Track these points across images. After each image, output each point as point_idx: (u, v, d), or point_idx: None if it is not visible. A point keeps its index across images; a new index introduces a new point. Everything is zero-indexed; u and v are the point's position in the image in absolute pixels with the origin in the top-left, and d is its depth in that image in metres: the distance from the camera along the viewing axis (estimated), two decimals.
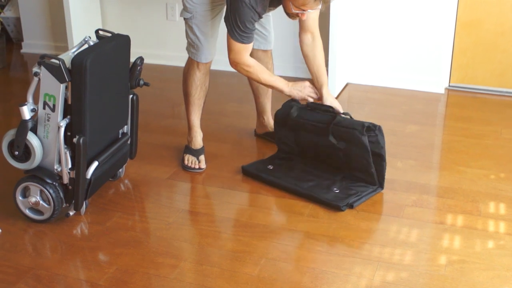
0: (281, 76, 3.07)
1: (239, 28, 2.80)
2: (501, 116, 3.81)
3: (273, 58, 3.35)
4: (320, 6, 2.72)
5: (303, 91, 3.02)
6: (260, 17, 2.86)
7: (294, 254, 2.50)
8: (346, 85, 4.34)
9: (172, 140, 3.49)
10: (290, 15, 2.83)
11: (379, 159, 2.86)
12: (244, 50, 2.89)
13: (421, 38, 4.16)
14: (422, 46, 4.18)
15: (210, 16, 2.97)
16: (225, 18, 2.86)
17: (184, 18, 3.02)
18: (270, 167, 3.08)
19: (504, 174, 3.08)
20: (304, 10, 2.75)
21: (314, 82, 3.07)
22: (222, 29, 3.00)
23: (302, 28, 3.04)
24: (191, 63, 3.10)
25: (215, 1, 2.95)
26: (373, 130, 2.83)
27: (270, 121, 3.45)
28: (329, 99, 3.03)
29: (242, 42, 2.85)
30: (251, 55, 3.21)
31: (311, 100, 3.04)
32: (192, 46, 3.05)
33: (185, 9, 3.00)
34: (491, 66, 4.17)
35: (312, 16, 2.98)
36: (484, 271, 2.35)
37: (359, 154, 2.85)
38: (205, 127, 3.29)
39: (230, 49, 2.89)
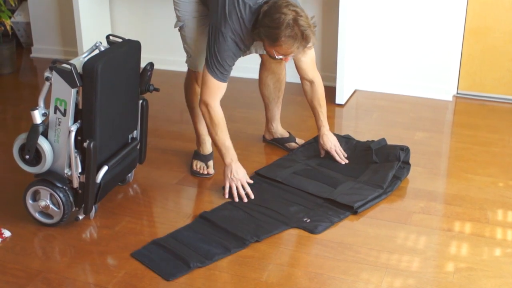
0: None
1: (218, 62, 2.75)
2: (509, 124, 3.81)
3: (286, 68, 3.37)
4: (302, 50, 2.74)
5: (234, 179, 2.89)
6: (244, 53, 2.85)
7: (302, 259, 2.51)
8: (354, 92, 4.35)
9: (181, 145, 3.51)
10: (273, 58, 2.82)
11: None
12: (217, 91, 2.81)
13: (430, 45, 4.17)
14: (430, 53, 4.18)
15: (201, 23, 2.95)
16: (206, 45, 2.80)
17: (178, 29, 3.01)
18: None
19: None
20: (287, 56, 2.76)
21: (315, 120, 3.20)
22: None
23: (300, 75, 3.09)
24: (189, 76, 3.11)
25: (203, 10, 2.93)
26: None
27: (278, 128, 3.47)
28: (329, 143, 3.15)
29: (218, 79, 2.78)
30: (265, 62, 3.22)
31: (235, 194, 2.88)
32: (188, 56, 3.06)
33: (177, 18, 3.00)
34: (499, 73, 4.17)
35: (307, 63, 3.01)
36: (492, 279, 2.35)
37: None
38: None
39: (204, 83, 2.82)
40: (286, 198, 2.90)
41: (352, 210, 2.78)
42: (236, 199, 2.86)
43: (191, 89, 3.11)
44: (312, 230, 2.65)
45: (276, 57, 2.76)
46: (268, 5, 2.68)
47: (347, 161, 3.16)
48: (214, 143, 2.93)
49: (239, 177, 2.90)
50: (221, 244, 2.55)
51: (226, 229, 2.64)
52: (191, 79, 3.10)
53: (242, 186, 2.90)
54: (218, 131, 2.86)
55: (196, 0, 2.92)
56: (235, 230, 2.64)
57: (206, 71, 2.79)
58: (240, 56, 2.85)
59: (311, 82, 3.09)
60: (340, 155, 3.17)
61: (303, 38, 2.65)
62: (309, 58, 3.01)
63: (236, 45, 2.76)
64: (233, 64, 2.82)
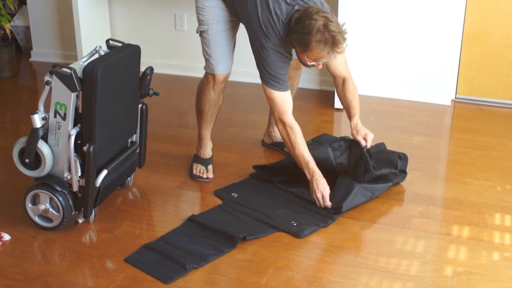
0: None
1: (271, 75, 2.82)
2: (508, 128, 3.82)
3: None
4: (334, 55, 2.76)
5: (317, 191, 2.87)
6: (289, 59, 2.87)
7: (301, 263, 2.51)
8: None
9: (180, 149, 3.51)
10: (306, 65, 2.85)
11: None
12: (284, 103, 2.87)
13: (428, 50, 4.18)
14: (429, 58, 4.19)
15: (224, 28, 2.98)
16: (256, 64, 2.87)
17: (200, 32, 3.02)
18: (235, 195, 3.00)
19: (510, 186, 3.10)
20: (319, 61, 2.78)
21: (347, 113, 3.16)
22: (237, 42, 3.06)
23: (331, 74, 3.10)
24: (206, 81, 3.10)
25: (227, 15, 2.97)
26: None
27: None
28: (362, 131, 3.07)
29: (279, 90, 2.84)
30: None
31: (320, 204, 2.88)
32: (207, 60, 3.05)
33: (199, 22, 3.01)
34: (498, 78, 4.18)
35: (338, 62, 3.02)
36: (490, 283, 2.36)
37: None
38: (213, 137, 3.31)
39: (271, 102, 2.90)
40: (275, 201, 2.93)
41: (337, 209, 2.81)
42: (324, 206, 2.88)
43: (204, 94, 3.12)
44: (298, 234, 2.66)
45: (309, 63, 2.79)
46: (299, 12, 2.72)
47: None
48: (295, 159, 2.94)
49: (321, 190, 2.87)
50: (212, 245, 2.57)
51: (215, 230, 2.67)
52: (208, 84, 3.09)
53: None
54: (297, 148, 2.89)
55: (221, 6, 2.95)
56: (223, 230, 2.66)
57: (266, 87, 2.86)
58: (289, 64, 2.88)
59: (344, 78, 3.10)
60: (369, 143, 3.08)
61: (334, 43, 2.68)
62: (341, 59, 3.02)
63: (281, 55, 2.81)
64: (286, 73, 2.87)
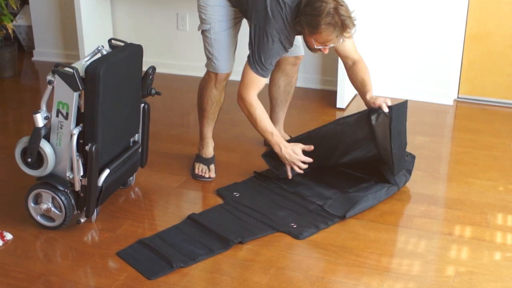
0: None
1: (260, 60, 2.82)
2: (510, 128, 3.82)
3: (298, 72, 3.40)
4: (342, 40, 2.75)
5: (293, 156, 2.93)
6: (286, 50, 2.88)
7: (303, 263, 2.51)
8: (355, 96, 4.36)
9: (182, 149, 3.52)
10: (312, 49, 2.84)
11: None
12: (253, 84, 2.87)
13: (430, 50, 4.18)
14: (431, 58, 4.19)
15: (226, 26, 2.98)
16: (249, 43, 2.86)
17: (202, 31, 3.03)
18: (236, 194, 3.00)
19: None
20: (326, 46, 2.78)
21: (359, 93, 3.04)
22: (240, 41, 3.06)
23: (341, 56, 3.07)
24: (208, 79, 3.10)
25: (230, 14, 2.98)
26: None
27: (281, 131, 3.49)
28: (378, 100, 2.89)
29: (258, 74, 2.84)
30: (281, 64, 3.23)
31: (298, 170, 2.95)
32: (210, 59, 3.05)
33: (202, 21, 3.01)
34: (500, 78, 4.18)
35: (346, 45, 2.98)
36: (492, 283, 2.36)
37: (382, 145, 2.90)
38: (215, 137, 3.31)
39: (242, 78, 2.89)
40: (277, 202, 2.92)
41: (340, 216, 2.79)
42: (301, 171, 2.93)
43: (206, 92, 3.12)
44: (297, 235, 2.66)
45: (316, 46, 2.78)
46: None
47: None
48: (260, 133, 2.98)
49: (297, 157, 2.93)
50: (205, 245, 2.57)
51: (211, 230, 2.67)
52: (209, 81, 3.10)
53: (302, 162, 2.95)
54: (258, 122, 2.92)
55: (223, 4, 2.95)
56: (220, 231, 2.66)
57: (247, 65, 2.85)
58: (282, 55, 2.88)
59: (353, 60, 3.05)
60: (388, 104, 2.90)
61: (343, 27, 2.68)
62: (350, 42, 2.99)
63: (281, 45, 2.80)
64: (274, 64, 2.88)
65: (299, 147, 2.95)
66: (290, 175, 2.99)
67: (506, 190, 3.05)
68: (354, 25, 2.73)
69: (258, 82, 2.88)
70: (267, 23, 2.76)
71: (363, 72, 3.03)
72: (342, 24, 2.67)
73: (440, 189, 3.10)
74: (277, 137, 2.94)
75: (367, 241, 2.63)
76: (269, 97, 3.44)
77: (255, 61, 2.83)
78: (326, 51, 2.83)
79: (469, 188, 3.07)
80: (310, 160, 2.93)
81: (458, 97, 4.30)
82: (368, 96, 2.95)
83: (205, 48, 3.05)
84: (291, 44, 2.87)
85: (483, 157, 3.41)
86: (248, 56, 2.86)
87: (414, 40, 4.21)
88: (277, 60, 2.88)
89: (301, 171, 2.96)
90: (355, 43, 3.05)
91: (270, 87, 3.40)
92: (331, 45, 2.79)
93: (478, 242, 2.62)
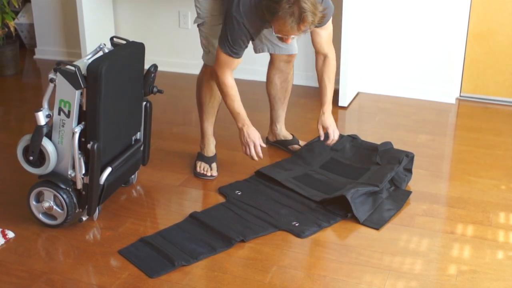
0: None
1: (228, 42, 2.80)
2: None
3: (293, 68, 3.38)
4: (301, 34, 2.69)
5: (248, 140, 2.95)
6: (253, 39, 2.86)
7: (305, 262, 2.51)
8: (357, 94, 4.36)
9: (184, 147, 3.51)
10: (279, 38, 2.80)
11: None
12: (228, 64, 2.87)
13: (433, 48, 4.17)
14: (434, 56, 4.19)
15: (220, 21, 2.96)
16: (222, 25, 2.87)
17: (198, 25, 3.04)
18: (238, 192, 3.00)
19: None
20: (286, 35, 2.72)
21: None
22: None
23: (315, 48, 3.06)
24: (205, 72, 3.12)
25: (222, 8, 2.95)
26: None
27: (282, 129, 3.48)
28: (327, 122, 3.04)
29: (228, 54, 2.83)
30: (274, 61, 3.23)
31: (252, 154, 2.96)
32: (205, 52, 3.08)
33: (197, 15, 3.04)
34: (502, 76, 4.18)
35: (323, 37, 2.98)
36: (494, 281, 2.35)
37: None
38: (217, 135, 3.31)
39: (216, 57, 2.90)
40: (279, 200, 2.92)
41: (342, 215, 2.78)
42: (256, 158, 2.95)
43: (205, 86, 3.13)
44: (299, 234, 2.66)
45: (274, 34, 2.74)
46: None
47: (334, 141, 3.08)
48: (227, 108, 2.99)
49: (252, 139, 2.95)
50: (207, 243, 2.57)
51: (214, 229, 2.67)
52: (206, 74, 3.11)
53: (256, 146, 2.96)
54: (228, 100, 2.93)
55: (216, 1, 2.96)
56: (222, 229, 2.66)
57: (219, 46, 2.85)
58: (248, 42, 2.86)
59: (325, 56, 3.05)
60: (330, 137, 3.05)
61: (300, 19, 2.58)
62: (326, 32, 2.98)
63: (245, 28, 2.77)
64: (245, 46, 2.86)
65: (257, 137, 2.96)
66: (248, 154, 2.99)
67: (508, 188, 3.05)
68: (314, 21, 2.62)
69: (229, 62, 2.86)
70: (234, 8, 2.74)
71: (328, 76, 3.06)
72: (300, 15, 2.57)
73: (442, 188, 3.09)
74: (243, 116, 2.96)
75: (369, 239, 2.63)
76: (268, 96, 3.44)
77: (225, 42, 2.81)
78: (288, 41, 2.79)
79: (471, 186, 3.07)
80: (261, 154, 2.95)
81: (460, 96, 4.30)
82: (323, 109, 3.04)
83: (201, 42, 3.08)
84: (257, 30, 2.83)
85: (486, 156, 3.41)
86: (219, 36, 2.86)
87: (417, 38, 4.20)
88: (244, 44, 2.84)
89: (256, 158, 2.96)
90: (331, 37, 3.02)
91: (267, 85, 3.40)
92: (291, 36, 2.72)
93: (481, 240, 2.62)
